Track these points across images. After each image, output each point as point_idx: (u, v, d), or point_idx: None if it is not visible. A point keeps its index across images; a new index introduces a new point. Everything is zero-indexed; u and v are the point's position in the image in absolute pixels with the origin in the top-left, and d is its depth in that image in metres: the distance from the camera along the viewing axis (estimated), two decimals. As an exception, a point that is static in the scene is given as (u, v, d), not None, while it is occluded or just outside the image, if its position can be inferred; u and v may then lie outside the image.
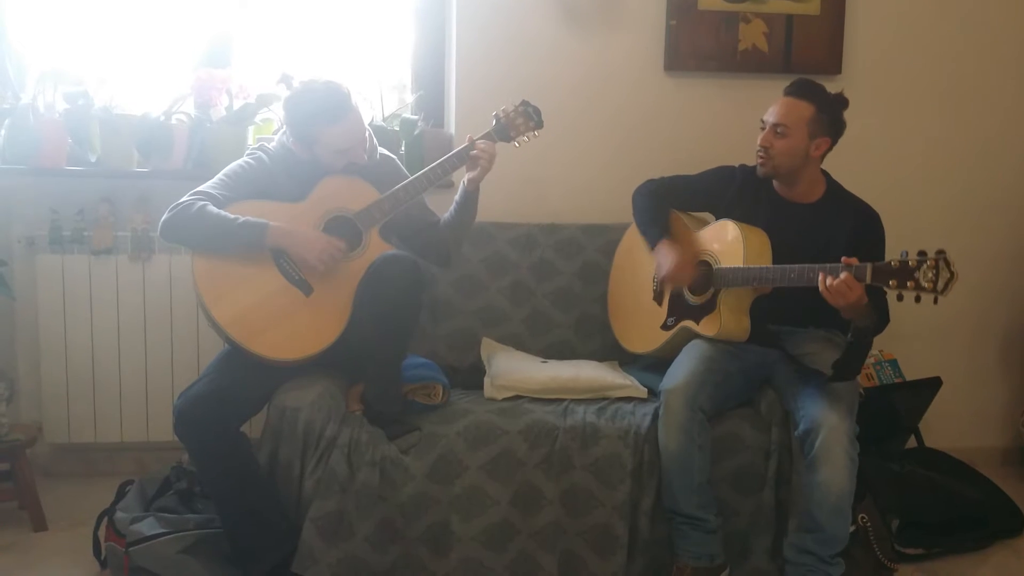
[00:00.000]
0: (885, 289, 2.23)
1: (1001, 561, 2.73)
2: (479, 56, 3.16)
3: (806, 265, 2.34)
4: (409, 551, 2.40)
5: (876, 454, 2.79)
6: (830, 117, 2.56)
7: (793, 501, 2.41)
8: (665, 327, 2.68)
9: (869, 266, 2.22)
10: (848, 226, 2.55)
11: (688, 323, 2.61)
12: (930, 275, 2.13)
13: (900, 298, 2.20)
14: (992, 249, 3.42)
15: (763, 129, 2.58)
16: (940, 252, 2.14)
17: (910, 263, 2.16)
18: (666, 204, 2.76)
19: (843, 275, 2.23)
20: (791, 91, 2.57)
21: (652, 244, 2.67)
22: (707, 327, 2.55)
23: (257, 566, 2.34)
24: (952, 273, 2.11)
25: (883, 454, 2.89)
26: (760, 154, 2.57)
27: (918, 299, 2.17)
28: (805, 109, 2.53)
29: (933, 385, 3.08)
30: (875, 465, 2.73)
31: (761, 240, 2.53)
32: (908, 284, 2.15)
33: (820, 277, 2.27)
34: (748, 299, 2.55)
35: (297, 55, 3.21)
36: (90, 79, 2.96)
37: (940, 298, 2.14)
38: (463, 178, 2.58)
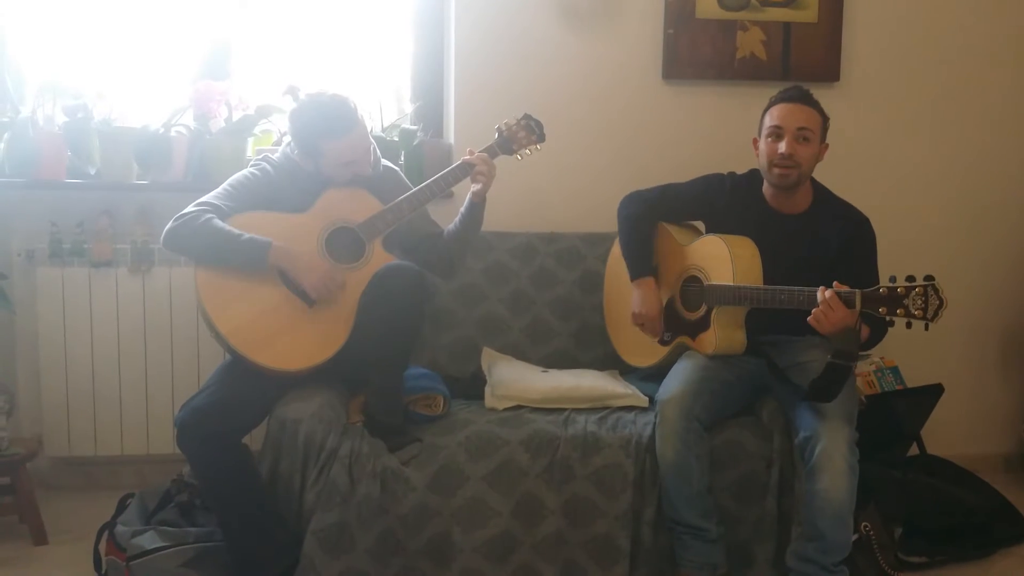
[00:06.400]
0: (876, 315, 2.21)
1: (1004, 569, 2.73)
2: (478, 66, 3.17)
3: (795, 288, 2.32)
4: (411, 563, 2.39)
5: (878, 461, 2.78)
6: (827, 124, 2.57)
7: (796, 509, 2.40)
8: (663, 342, 2.68)
9: (858, 293, 2.19)
10: (838, 235, 2.53)
11: (684, 339, 2.61)
12: (919, 302, 2.11)
13: (891, 323, 2.20)
14: (990, 254, 3.42)
15: (773, 138, 2.51)
16: (929, 279, 2.12)
17: (899, 290, 2.14)
18: (652, 226, 2.73)
19: (827, 294, 2.20)
20: (796, 98, 2.52)
21: (632, 277, 2.68)
22: (703, 345, 2.55)
23: (259, 578, 2.34)
24: (941, 300, 2.10)
25: (885, 461, 2.88)
26: (785, 163, 2.48)
27: (909, 325, 2.15)
28: (815, 115, 2.52)
29: (935, 392, 3.07)
30: (877, 473, 2.72)
31: (750, 254, 2.50)
32: (898, 311, 2.14)
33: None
34: (742, 313, 2.53)
35: (296, 66, 3.22)
36: (89, 92, 2.96)
37: (931, 325, 2.12)
38: (469, 190, 2.58)
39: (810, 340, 2.54)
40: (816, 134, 2.51)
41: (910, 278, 2.15)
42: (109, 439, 3.02)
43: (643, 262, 2.68)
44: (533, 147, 2.66)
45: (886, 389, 3.11)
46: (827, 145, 2.57)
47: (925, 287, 2.12)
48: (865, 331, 2.40)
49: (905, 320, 2.15)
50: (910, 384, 3.13)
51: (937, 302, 2.11)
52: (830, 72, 3.26)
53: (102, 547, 2.47)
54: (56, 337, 2.96)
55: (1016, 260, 3.44)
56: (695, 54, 3.22)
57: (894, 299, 2.15)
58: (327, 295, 2.44)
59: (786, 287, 2.35)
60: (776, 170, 2.51)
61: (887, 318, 2.18)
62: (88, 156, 2.95)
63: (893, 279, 2.17)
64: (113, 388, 3.00)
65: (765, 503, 2.44)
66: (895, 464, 2.94)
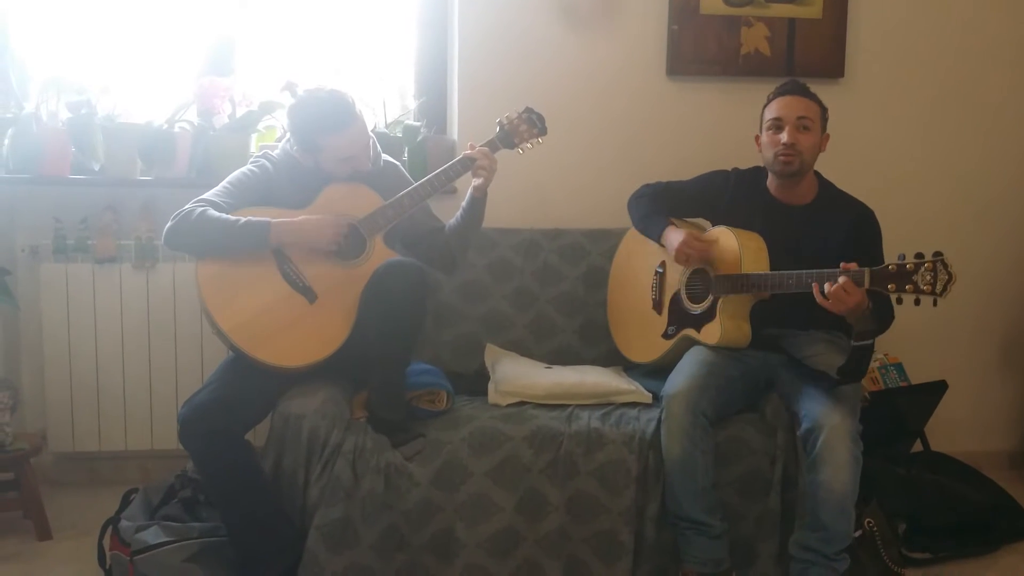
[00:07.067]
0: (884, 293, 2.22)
1: (1008, 565, 2.72)
2: (481, 62, 3.17)
3: (803, 271, 2.33)
4: (414, 559, 2.39)
5: (882, 458, 2.78)
6: (826, 114, 2.58)
7: (799, 505, 2.40)
8: (666, 336, 2.68)
9: (867, 271, 2.21)
10: (844, 225, 2.55)
11: (689, 332, 2.61)
12: (928, 277, 2.12)
13: (899, 301, 2.20)
14: (993, 250, 3.42)
15: (774, 130, 2.54)
16: (937, 254, 2.13)
17: (908, 266, 2.15)
18: (663, 205, 2.75)
19: (841, 280, 2.22)
20: (793, 90, 2.55)
21: (657, 235, 2.66)
22: (708, 335, 2.55)
23: (263, 574, 2.33)
24: (950, 274, 2.11)
25: (889, 458, 2.88)
26: (786, 152, 2.51)
27: (917, 302, 2.16)
28: (814, 105, 2.55)
29: (938, 389, 3.07)
30: (881, 469, 2.72)
31: (758, 245, 2.52)
32: (907, 287, 2.15)
33: (815, 288, 2.26)
34: (747, 305, 2.54)
35: (300, 62, 3.22)
36: (93, 88, 2.96)
37: (939, 300, 2.13)
38: (470, 185, 2.58)
39: (815, 334, 2.55)
40: (816, 123, 2.54)
41: (919, 255, 2.15)
42: (113, 435, 3.03)
43: (660, 219, 2.68)
44: (535, 140, 2.65)
45: (890, 386, 3.11)
46: (828, 135, 2.59)
47: (934, 262, 2.12)
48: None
49: (914, 296, 2.15)
50: (914, 381, 3.13)
51: (946, 276, 2.11)
52: (834, 68, 3.26)
53: (106, 542, 2.48)
54: (60, 333, 2.96)
55: (1020, 256, 3.43)
56: (699, 50, 3.21)
57: (903, 275, 2.15)
58: (343, 241, 2.46)
59: (794, 271, 2.36)
60: (780, 158, 2.53)
61: (896, 296, 2.18)
62: (92, 152, 2.95)
63: (902, 256, 2.17)
64: (117, 384, 3.01)
65: (768, 499, 2.44)
66: (899, 460, 2.94)
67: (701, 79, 3.24)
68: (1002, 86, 3.37)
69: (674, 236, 2.60)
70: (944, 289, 2.11)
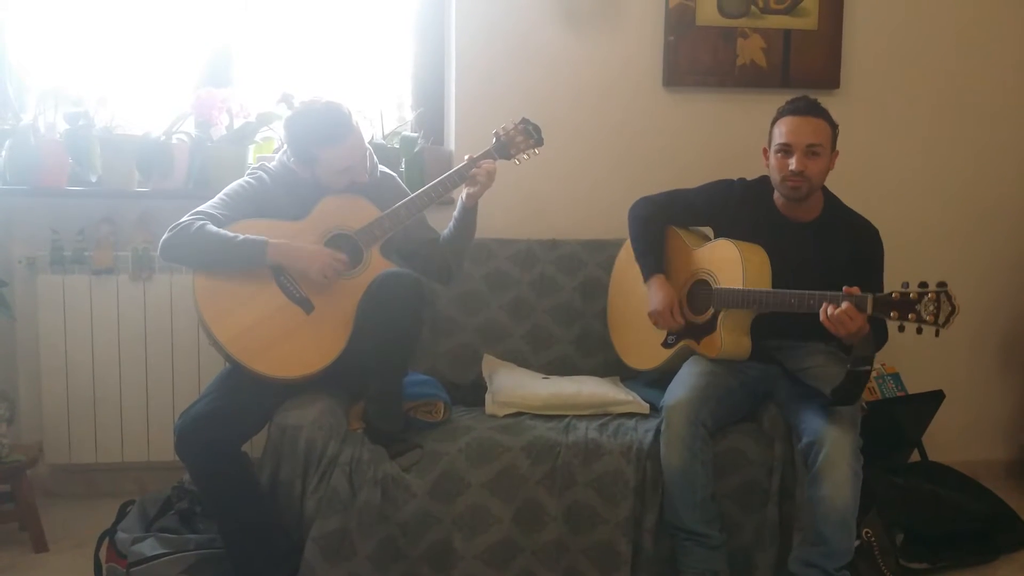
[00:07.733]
0: (886, 320, 2.22)
1: (1006, 575, 2.72)
2: (479, 73, 3.17)
3: (806, 292, 2.33)
4: (411, 570, 2.39)
5: (880, 468, 2.78)
6: (836, 131, 2.56)
7: (797, 516, 2.40)
8: (666, 345, 2.68)
9: (870, 297, 2.21)
10: (848, 243, 2.55)
11: (689, 342, 2.61)
12: (931, 308, 2.13)
13: (901, 329, 2.21)
14: (990, 260, 3.42)
15: (783, 154, 2.50)
16: (941, 284, 2.14)
17: (911, 295, 2.15)
18: (662, 227, 2.75)
19: (844, 305, 2.23)
20: (804, 109, 2.51)
21: (645, 277, 2.68)
22: (708, 348, 2.55)
23: (260, 586, 2.33)
24: (954, 306, 2.11)
25: (887, 468, 2.87)
26: (794, 179, 2.48)
27: (920, 331, 2.17)
28: (825, 126, 2.52)
29: (936, 398, 3.07)
30: (879, 479, 2.72)
31: (760, 259, 2.52)
32: (909, 316, 2.16)
33: (822, 308, 2.27)
34: (748, 319, 2.54)
35: (297, 73, 3.22)
36: (91, 99, 2.96)
37: (942, 331, 2.14)
38: (461, 194, 2.58)
39: (815, 345, 2.55)
40: (826, 147, 2.51)
41: (923, 284, 2.16)
42: (110, 446, 3.02)
43: (654, 260, 2.69)
44: (531, 151, 2.65)
45: (887, 395, 3.12)
46: (838, 152, 2.58)
47: (938, 293, 2.13)
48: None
49: (916, 326, 2.16)
50: (911, 390, 3.13)
51: (949, 308, 2.12)
52: (830, 79, 3.27)
53: (102, 554, 2.47)
54: (57, 344, 2.96)
55: (1017, 266, 3.44)
56: (695, 61, 3.22)
57: (906, 304, 2.16)
58: (335, 277, 2.44)
59: (796, 291, 2.36)
60: (788, 184, 2.51)
61: (899, 324, 2.18)
62: (89, 163, 2.95)
63: (906, 284, 2.17)
64: (114, 395, 3.00)
65: (766, 510, 2.44)
66: (897, 470, 2.94)
67: (697, 90, 3.25)
68: (999, 94, 3.38)
69: (655, 295, 2.62)
70: (947, 321, 2.12)
